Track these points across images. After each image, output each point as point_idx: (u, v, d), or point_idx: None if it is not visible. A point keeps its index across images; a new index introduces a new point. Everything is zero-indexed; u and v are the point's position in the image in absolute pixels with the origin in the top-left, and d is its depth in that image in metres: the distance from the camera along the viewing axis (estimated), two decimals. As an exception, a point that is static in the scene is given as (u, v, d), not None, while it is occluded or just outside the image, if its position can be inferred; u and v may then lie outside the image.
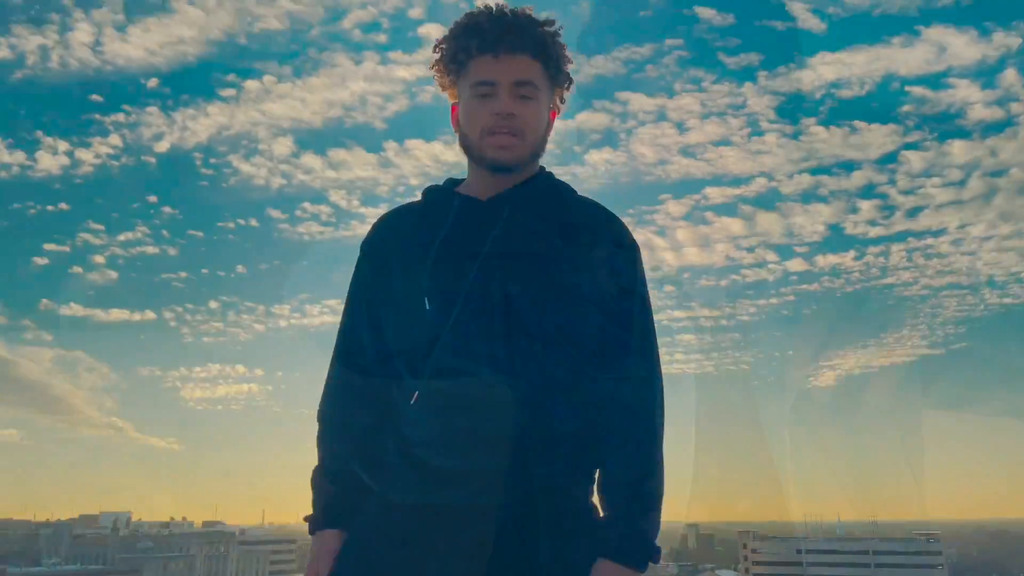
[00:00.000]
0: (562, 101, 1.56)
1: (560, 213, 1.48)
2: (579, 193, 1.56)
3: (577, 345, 1.40)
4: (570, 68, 1.53)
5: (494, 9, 1.45)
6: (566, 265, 1.42)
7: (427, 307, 1.39)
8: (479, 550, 1.32)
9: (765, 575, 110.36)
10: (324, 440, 1.53)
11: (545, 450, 1.35)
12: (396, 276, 1.47)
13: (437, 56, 1.51)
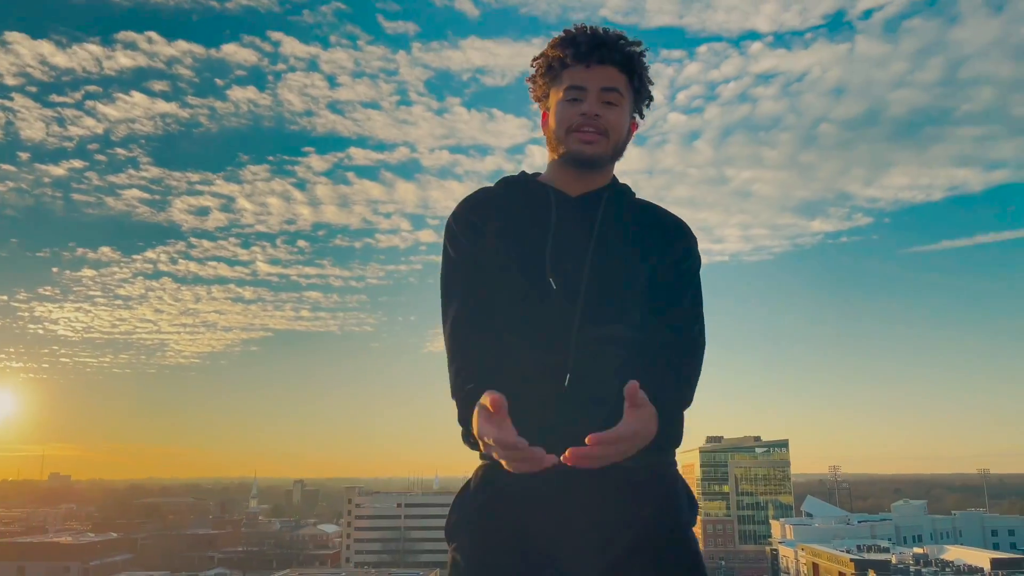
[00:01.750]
0: (642, 116, 1.74)
1: (638, 216, 1.70)
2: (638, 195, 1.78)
3: (664, 316, 1.64)
4: (652, 87, 1.71)
5: (588, 28, 1.65)
6: (648, 259, 1.65)
7: (553, 288, 1.57)
8: (614, 511, 1.53)
9: (367, 528, 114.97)
10: (466, 368, 1.59)
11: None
12: (509, 256, 1.62)
13: (534, 69, 1.71)
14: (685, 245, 1.71)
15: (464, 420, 1.52)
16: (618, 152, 1.69)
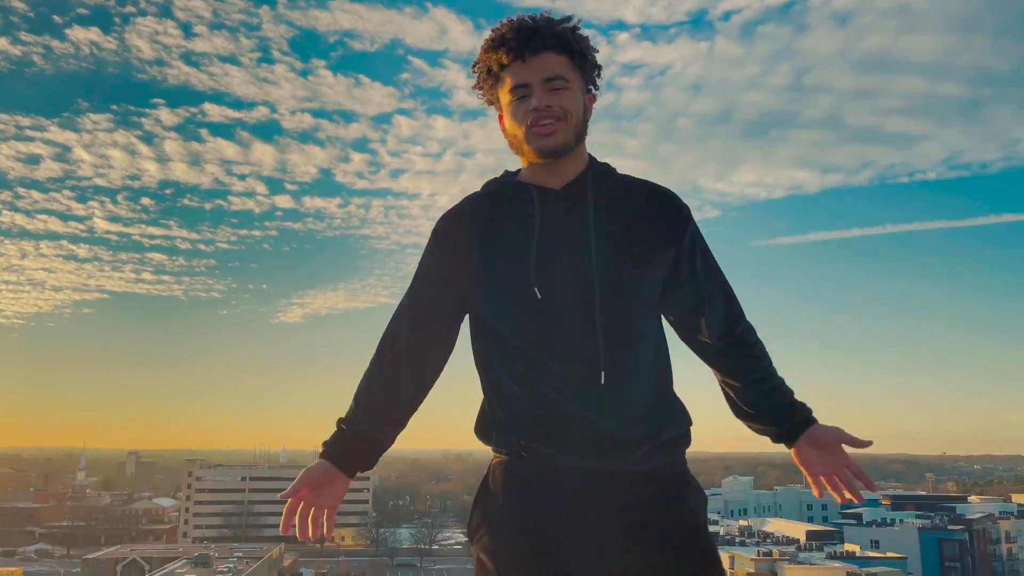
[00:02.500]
0: (596, 88, 1.71)
1: (626, 195, 1.69)
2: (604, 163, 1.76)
3: (677, 307, 1.73)
4: (595, 55, 1.69)
5: (515, 20, 1.63)
6: (650, 239, 1.65)
7: (539, 290, 1.58)
8: (635, 510, 1.59)
9: (208, 502, 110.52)
10: (371, 391, 1.78)
11: (663, 413, 1.67)
12: (494, 259, 1.64)
13: (476, 76, 1.71)
14: (684, 215, 1.72)
15: (328, 445, 1.76)
16: (580, 133, 1.65)
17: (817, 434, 1.71)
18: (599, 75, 1.71)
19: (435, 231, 1.76)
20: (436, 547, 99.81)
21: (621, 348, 1.59)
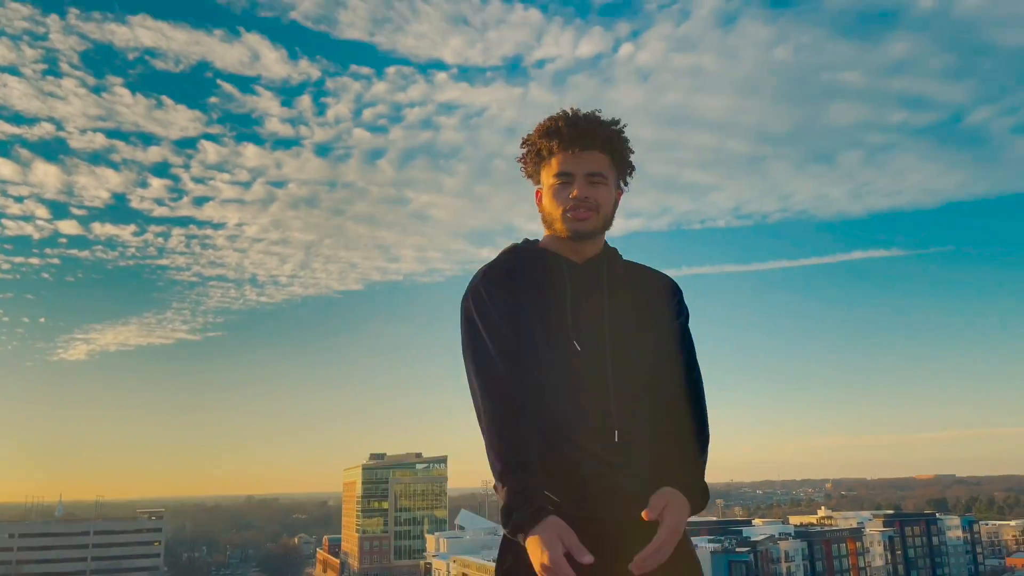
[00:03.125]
0: (626, 184, 2.01)
1: (635, 274, 2.01)
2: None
3: (673, 378, 1.93)
4: (632, 157, 1.97)
5: (569, 115, 1.90)
6: (657, 316, 1.95)
7: (578, 349, 1.83)
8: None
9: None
10: (510, 440, 1.74)
11: (663, 468, 1.83)
12: (538, 320, 1.85)
13: (524, 151, 1.98)
14: (678, 300, 2.00)
15: (517, 514, 1.64)
16: (607, 223, 1.95)
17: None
18: (631, 174, 1.99)
19: (482, 283, 1.90)
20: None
21: (630, 406, 1.83)
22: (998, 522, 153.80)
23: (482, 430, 1.77)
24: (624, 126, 1.94)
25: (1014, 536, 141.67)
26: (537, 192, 2.00)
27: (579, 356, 1.83)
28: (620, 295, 1.93)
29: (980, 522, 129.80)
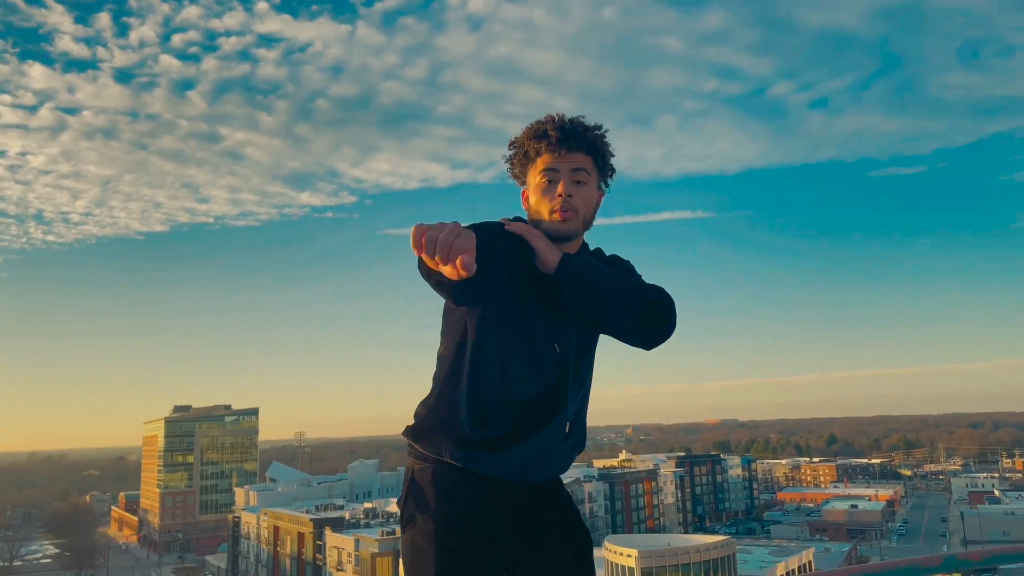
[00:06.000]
0: (607, 186, 2.14)
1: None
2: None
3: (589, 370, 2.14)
4: (613, 161, 2.12)
5: (556, 119, 2.03)
6: None
7: (553, 348, 1.98)
8: (553, 516, 2.07)
9: None
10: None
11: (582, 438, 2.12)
12: (509, 311, 1.97)
13: (512, 152, 2.11)
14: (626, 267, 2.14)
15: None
16: (588, 224, 2.08)
17: None
18: (612, 176, 2.13)
19: (488, 223, 2.03)
20: (19, 563, 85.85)
21: (580, 403, 2.06)
22: (772, 461, 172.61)
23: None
24: (606, 131, 2.08)
25: (784, 473, 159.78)
26: (523, 192, 2.13)
27: (553, 351, 1.98)
28: None
29: (757, 461, 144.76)
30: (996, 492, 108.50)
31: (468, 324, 1.96)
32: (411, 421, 2.07)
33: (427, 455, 2.00)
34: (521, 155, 2.08)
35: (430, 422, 2.00)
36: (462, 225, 1.59)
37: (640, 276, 2.10)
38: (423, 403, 2.06)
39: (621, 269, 2.10)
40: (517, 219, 2.08)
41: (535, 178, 2.06)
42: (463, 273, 1.50)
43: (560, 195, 1.99)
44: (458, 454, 1.94)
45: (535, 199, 2.05)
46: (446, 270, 1.55)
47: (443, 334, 2.07)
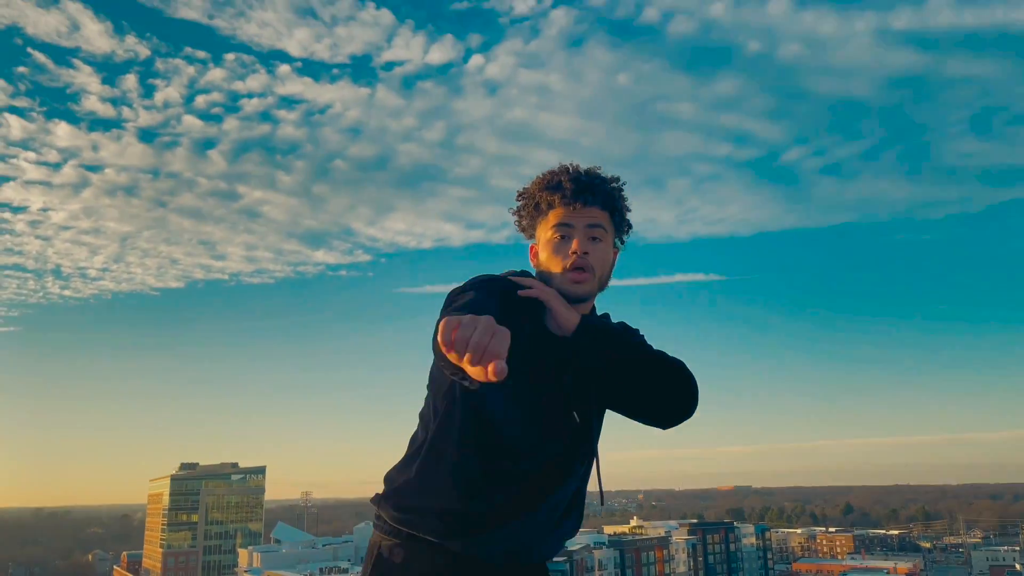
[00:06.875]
0: (622, 243, 1.95)
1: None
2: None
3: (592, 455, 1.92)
4: (629, 216, 1.93)
5: (571, 170, 1.84)
6: None
7: (571, 415, 1.77)
8: None
9: None
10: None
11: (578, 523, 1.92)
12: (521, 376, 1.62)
13: (520, 204, 1.91)
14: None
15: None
16: (603, 284, 1.87)
17: None
18: (628, 232, 1.94)
19: (502, 279, 1.82)
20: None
21: (581, 486, 1.88)
22: (786, 530, 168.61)
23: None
24: (624, 184, 1.89)
25: (800, 543, 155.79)
26: (532, 247, 1.93)
27: (563, 424, 1.77)
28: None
29: (771, 530, 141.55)
30: (1017, 566, 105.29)
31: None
32: (381, 488, 1.84)
33: (399, 529, 1.77)
34: (531, 207, 1.88)
35: (407, 491, 1.76)
36: (492, 320, 1.25)
37: (651, 346, 1.86)
38: (398, 468, 1.82)
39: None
40: (524, 273, 1.87)
41: (546, 232, 1.85)
42: (492, 379, 1.20)
43: (575, 252, 1.79)
44: (439, 529, 1.71)
45: (546, 255, 1.85)
46: (473, 371, 1.24)
47: (429, 388, 1.84)
